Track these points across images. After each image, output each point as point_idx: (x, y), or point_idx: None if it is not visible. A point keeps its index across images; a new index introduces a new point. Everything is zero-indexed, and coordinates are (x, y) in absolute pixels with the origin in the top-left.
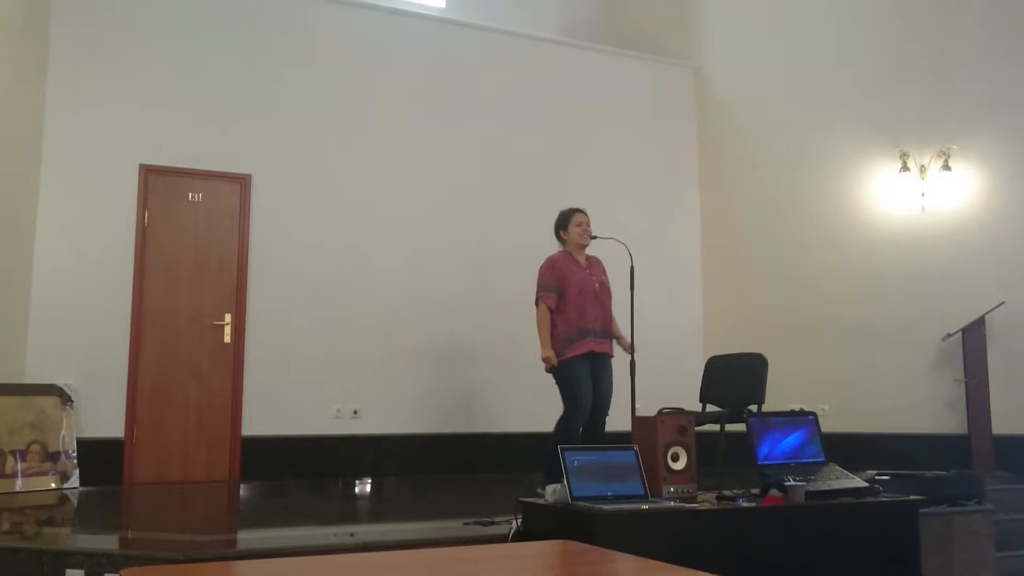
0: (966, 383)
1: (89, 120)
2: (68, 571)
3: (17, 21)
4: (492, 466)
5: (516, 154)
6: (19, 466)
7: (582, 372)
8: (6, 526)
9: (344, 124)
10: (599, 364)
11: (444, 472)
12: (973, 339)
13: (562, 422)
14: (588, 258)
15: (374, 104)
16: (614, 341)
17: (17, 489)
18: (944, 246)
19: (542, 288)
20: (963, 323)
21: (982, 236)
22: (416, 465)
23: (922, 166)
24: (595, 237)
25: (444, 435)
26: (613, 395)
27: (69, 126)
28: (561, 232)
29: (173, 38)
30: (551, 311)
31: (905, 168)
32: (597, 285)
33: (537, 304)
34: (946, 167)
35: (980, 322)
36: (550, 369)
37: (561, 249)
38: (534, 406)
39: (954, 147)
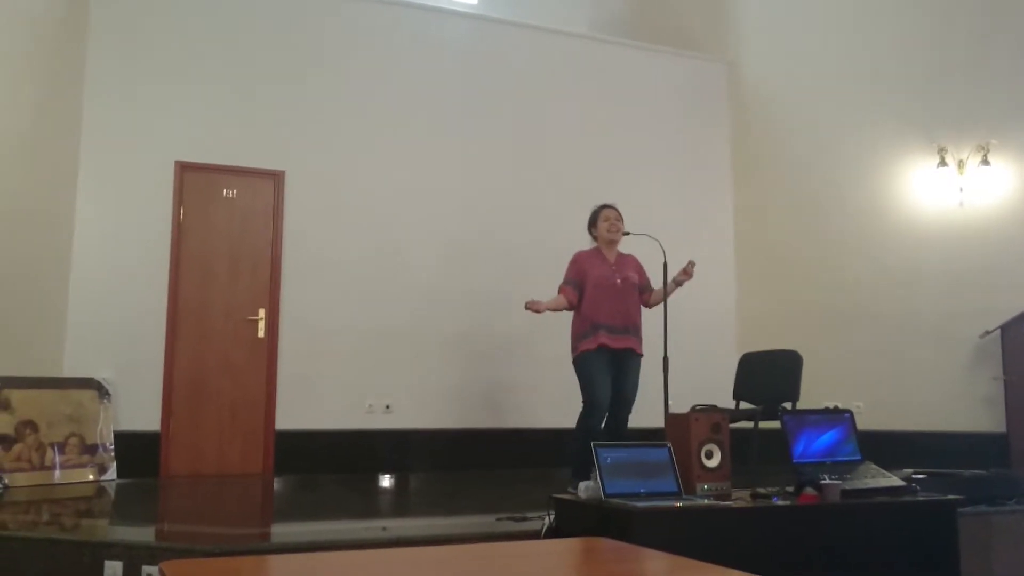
0: (1005, 381)
1: (126, 117)
2: (107, 562)
3: (55, 20)
4: (522, 461)
5: (548, 150)
6: (58, 458)
7: (595, 366)
8: (46, 517)
9: (377, 120)
10: (621, 361)
11: (475, 467)
12: (1012, 336)
13: (580, 419)
14: (621, 255)
15: (407, 100)
16: (674, 285)
17: (56, 481)
18: (982, 242)
19: (564, 282)
20: (1002, 320)
21: (1021, 232)
22: (447, 460)
23: (960, 161)
24: (627, 233)
25: (474, 430)
26: (643, 392)
27: (106, 124)
28: (591, 229)
29: (208, 36)
30: (571, 304)
31: (943, 163)
32: (619, 281)
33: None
34: (985, 162)
35: (1020, 319)
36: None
37: (593, 245)
38: (563, 402)
39: (993, 142)
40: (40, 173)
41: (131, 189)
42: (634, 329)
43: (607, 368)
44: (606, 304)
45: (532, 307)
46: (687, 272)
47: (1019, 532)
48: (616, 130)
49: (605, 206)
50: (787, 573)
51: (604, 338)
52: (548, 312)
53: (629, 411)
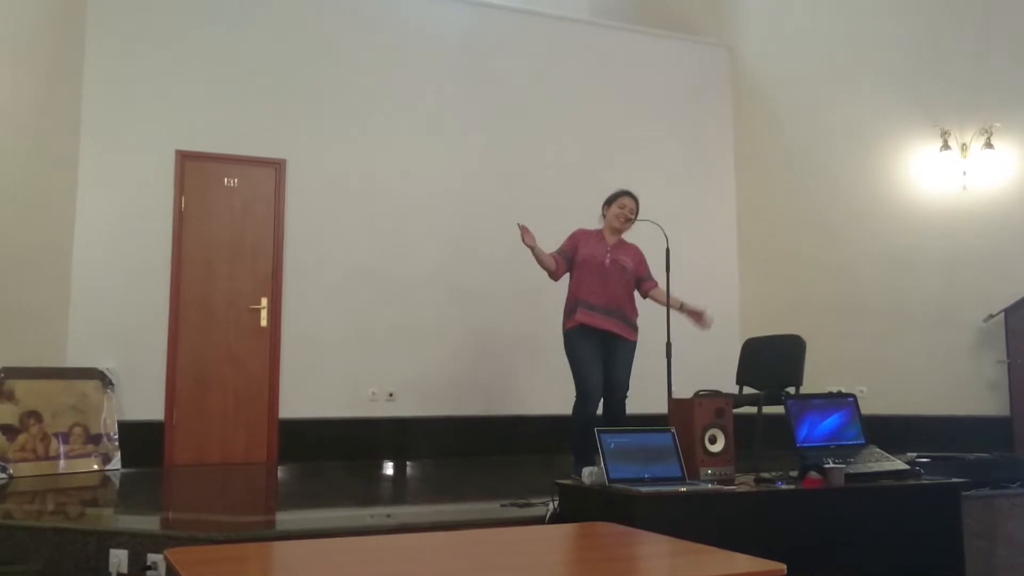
0: (1009, 364)
1: (126, 107)
2: (112, 551)
3: (55, 9)
4: (526, 448)
5: (549, 137)
6: (62, 448)
7: (582, 348)
8: (51, 507)
9: (377, 109)
10: (610, 346)
11: (478, 454)
12: (1016, 320)
13: (574, 407)
14: (622, 242)
15: (407, 88)
16: (677, 306)
17: (60, 470)
18: (986, 226)
19: (557, 250)
20: (1005, 304)
21: None
22: (450, 447)
23: (963, 144)
24: (631, 220)
25: (477, 417)
26: (645, 377)
27: (106, 113)
28: (604, 208)
29: (207, 24)
30: (553, 269)
31: (946, 147)
32: (608, 261)
33: None
34: (988, 145)
35: (1023, 303)
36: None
37: (602, 224)
38: (564, 389)
39: (997, 125)
40: (41, 163)
41: (132, 178)
42: (618, 313)
43: (596, 351)
44: (588, 280)
45: (524, 233)
46: (702, 321)
47: (1022, 515)
48: (618, 116)
49: (626, 193)
50: (791, 557)
51: (584, 316)
52: (550, 300)
53: (622, 395)
